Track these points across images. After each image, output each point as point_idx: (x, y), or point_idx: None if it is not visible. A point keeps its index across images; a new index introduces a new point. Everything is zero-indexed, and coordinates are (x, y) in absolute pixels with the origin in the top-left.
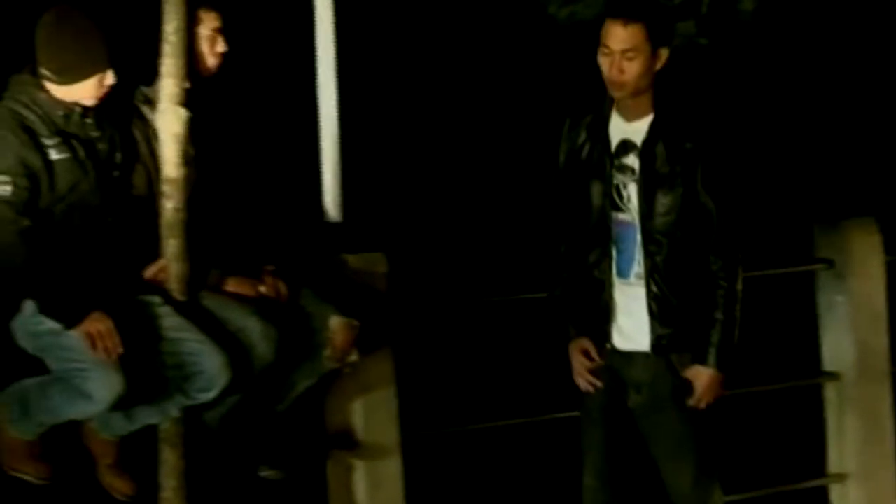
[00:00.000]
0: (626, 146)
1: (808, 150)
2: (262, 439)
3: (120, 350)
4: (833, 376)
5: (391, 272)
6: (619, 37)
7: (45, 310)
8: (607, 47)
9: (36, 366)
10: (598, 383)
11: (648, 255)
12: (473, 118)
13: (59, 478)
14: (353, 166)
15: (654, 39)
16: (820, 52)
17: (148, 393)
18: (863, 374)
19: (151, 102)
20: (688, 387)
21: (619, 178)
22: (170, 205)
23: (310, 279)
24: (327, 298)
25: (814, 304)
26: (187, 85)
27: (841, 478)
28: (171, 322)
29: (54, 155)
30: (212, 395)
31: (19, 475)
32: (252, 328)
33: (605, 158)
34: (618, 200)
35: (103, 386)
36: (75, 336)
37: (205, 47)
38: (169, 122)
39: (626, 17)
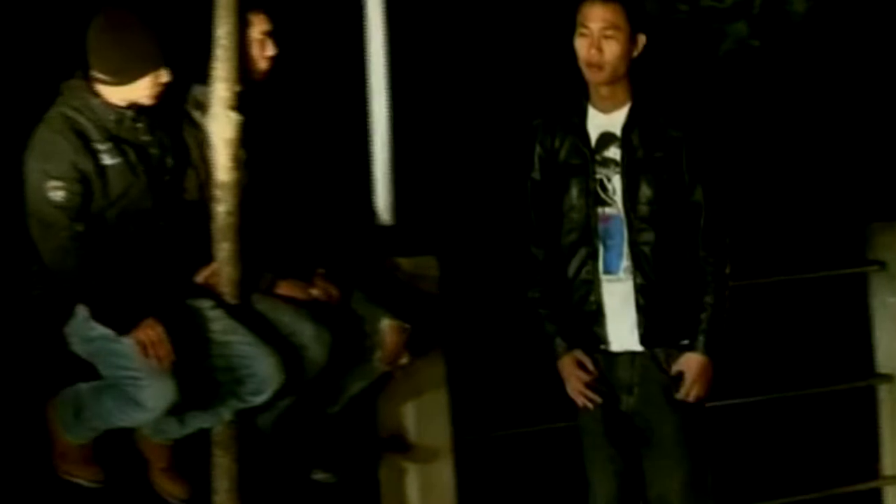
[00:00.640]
0: (606, 139)
1: (861, 150)
2: (314, 442)
3: (172, 357)
4: (886, 378)
5: (443, 275)
6: (597, 15)
7: (98, 316)
8: (585, 27)
9: (89, 371)
10: (598, 399)
11: (635, 244)
12: (528, 121)
13: (112, 481)
14: (404, 169)
15: (633, 22)
16: (874, 52)
17: (201, 397)
18: None
19: (202, 107)
20: (678, 383)
21: (602, 172)
22: (221, 208)
23: (361, 282)
24: (379, 301)
25: (867, 306)
26: (239, 88)
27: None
28: (223, 326)
29: (107, 160)
30: (264, 398)
31: (72, 479)
32: (304, 331)
33: (587, 153)
34: (602, 195)
35: (155, 394)
36: (128, 343)
37: (255, 51)
38: (221, 125)
39: None
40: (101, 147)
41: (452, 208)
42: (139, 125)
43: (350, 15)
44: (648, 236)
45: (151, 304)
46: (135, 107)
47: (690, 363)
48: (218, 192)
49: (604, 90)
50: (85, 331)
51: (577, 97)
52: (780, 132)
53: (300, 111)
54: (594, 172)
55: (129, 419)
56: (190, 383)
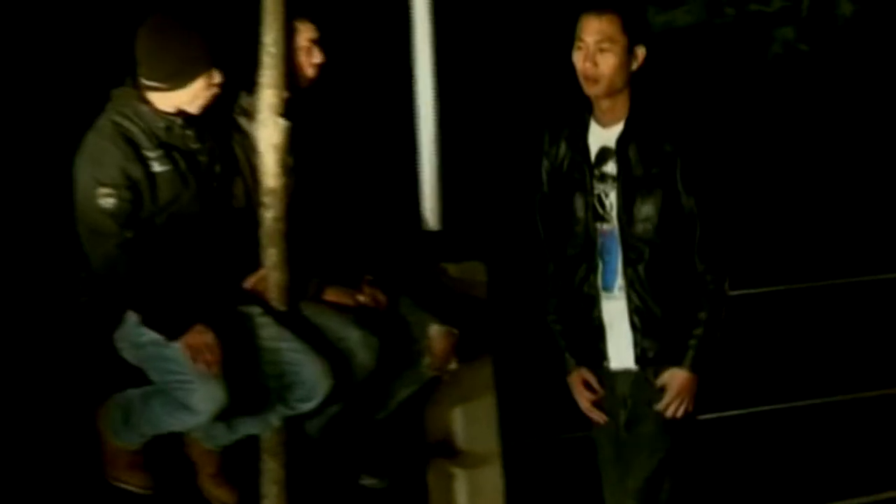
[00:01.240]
0: (604, 154)
1: None
2: (362, 448)
3: (221, 363)
4: None
5: (491, 280)
6: (592, 27)
7: (148, 322)
8: (581, 40)
9: (139, 376)
10: (603, 418)
11: (629, 263)
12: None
13: (161, 487)
14: (452, 175)
15: (631, 34)
16: None
17: (249, 403)
18: None
19: (249, 114)
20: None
21: (600, 187)
22: (269, 215)
23: (409, 288)
24: (427, 307)
25: None
26: (286, 95)
27: None
28: (271, 332)
29: (156, 167)
30: (312, 404)
31: (121, 485)
32: (352, 337)
33: (586, 169)
34: (600, 210)
35: (205, 397)
36: (177, 348)
37: (302, 58)
38: (268, 132)
39: (600, 9)
40: (151, 154)
41: (500, 213)
42: (188, 132)
43: (397, 21)
44: (643, 255)
45: (201, 310)
46: (183, 114)
47: (674, 379)
48: (266, 199)
49: (604, 103)
50: (135, 336)
51: (581, 111)
52: (827, 135)
53: (347, 117)
54: (593, 188)
55: (179, 423)
56: (239, 389)
